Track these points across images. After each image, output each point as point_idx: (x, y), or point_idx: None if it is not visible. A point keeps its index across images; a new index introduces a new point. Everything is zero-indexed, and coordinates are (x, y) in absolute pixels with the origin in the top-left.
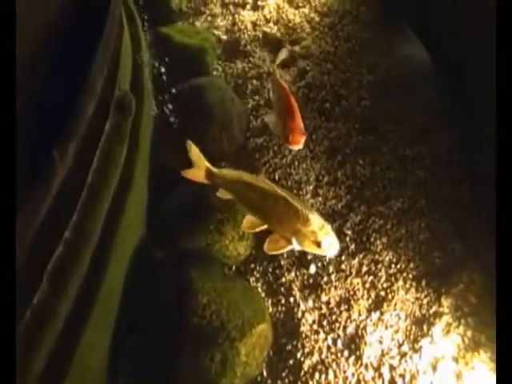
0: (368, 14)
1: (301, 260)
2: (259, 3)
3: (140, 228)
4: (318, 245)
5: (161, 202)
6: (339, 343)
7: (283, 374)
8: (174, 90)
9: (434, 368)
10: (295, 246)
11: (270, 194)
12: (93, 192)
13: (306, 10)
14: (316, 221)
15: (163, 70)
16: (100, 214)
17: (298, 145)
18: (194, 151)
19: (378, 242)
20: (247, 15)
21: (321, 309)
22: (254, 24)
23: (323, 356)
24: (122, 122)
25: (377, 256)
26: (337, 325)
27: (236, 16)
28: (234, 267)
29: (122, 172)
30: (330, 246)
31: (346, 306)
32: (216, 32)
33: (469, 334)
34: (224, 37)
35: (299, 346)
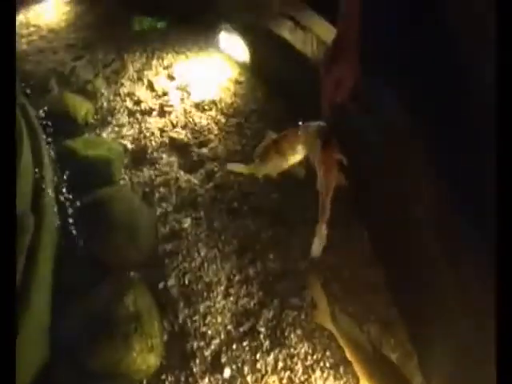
0: (273, 111)
1: (214, 365)
2: (166, 109)
3: (41, 349)
4: None
5: (63, 320)
6: None
7: None
8: (78, 203)
9: None
10: None
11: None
12: None
13: (213, 113)
14: None
15: (67, 183)
16: None
17: None
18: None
19: (293, 334)
20: (154, 122)
21: None
22: (162, 130)
23: None
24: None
25: (292, 350)
26: None
27: (143, 124)
28: (144, 381)
29: (18, 293)
30: None
31: None
32: (123, 141)
33: None
34: (131, 145)
35: None
